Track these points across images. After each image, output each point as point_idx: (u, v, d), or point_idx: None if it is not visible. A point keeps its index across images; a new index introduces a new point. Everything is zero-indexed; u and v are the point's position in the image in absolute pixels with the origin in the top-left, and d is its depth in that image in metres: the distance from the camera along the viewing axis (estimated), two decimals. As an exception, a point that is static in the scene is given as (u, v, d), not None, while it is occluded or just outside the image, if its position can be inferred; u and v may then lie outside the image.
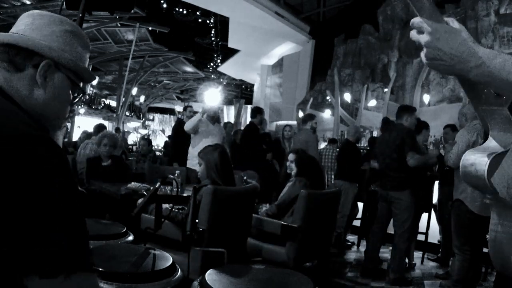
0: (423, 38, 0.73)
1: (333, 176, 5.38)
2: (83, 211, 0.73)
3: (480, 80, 0.74)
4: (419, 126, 4.41)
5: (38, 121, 0.76)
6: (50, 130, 0.83)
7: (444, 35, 0.72)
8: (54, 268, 0.61)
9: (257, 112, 5.51)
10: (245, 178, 3.84)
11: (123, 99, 18.97)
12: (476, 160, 0.83)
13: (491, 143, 0.85)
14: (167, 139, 15.28)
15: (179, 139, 5.15)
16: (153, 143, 21.47)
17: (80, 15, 2.83)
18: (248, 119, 23.87)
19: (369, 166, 4.97)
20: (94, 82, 19.38)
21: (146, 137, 10.39)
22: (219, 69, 23.09)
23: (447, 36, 0.72)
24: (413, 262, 4.32)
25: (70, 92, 0.86)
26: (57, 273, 0.61)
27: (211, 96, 4.74)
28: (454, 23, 0.75)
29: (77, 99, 0.89)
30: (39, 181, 0.63)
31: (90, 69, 20.95)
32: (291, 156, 3.61)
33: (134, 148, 13.03)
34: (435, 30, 0.72)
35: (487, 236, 3.17)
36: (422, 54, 0.76)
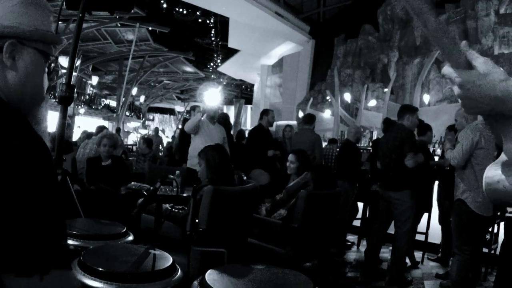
0: (456, 91, 0.72)
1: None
2: (61, 205, 0.71)
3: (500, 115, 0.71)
4: (423, 127, 4.41)
5: (16, 109, 0.75)
6: (33, 107, 0.82)
7: (474, 84, 0.69)
8: (28, 267, 0.60)
9: (263, 113, 5.41)
10: (245, 178, 3.84)
11: (123, 99, 18.97)
12: (502, 176, 0.79)
13: (507, 156, 0.81)
14: (167, 138, 15.26)
15: (187, 140, 5.13)
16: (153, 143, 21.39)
17: (80, 15, 2.83)
18: (248, 119, 23.83)
19: (369, 166, 4.97)
20: (94, 82, 19.38)
21: (146, 136, 10.37)
22: (219, 69, 23.10)
23: (477, 85, 0.69)
24: (417, 261, 4.33)
25: (43, 61, 0.83)
26: (32, 272, 0.61)
27: (211, 96, 4.74)
28: (476, 58, 0.70)
29: (52, 65, 0.87)
30: (16, 173, 0.62)
31: (90, 68, 20.89)
32: (291, 157, 3.60)
33: (134, 148, 13.04)
34: (465, 81, 0.69)
35: (487, 237, 3.16)
36: (460, 105, 0.75)
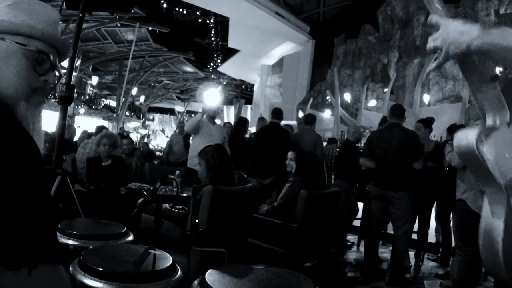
0: (440, 30, 0.92)
1: (333, 176, 5.37)
2: (50, 198, 0.70)
3: (482, 50, 0.85)
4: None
5: (4, 104, 0.74)
6: (14, 103, 0.79)
7: (452, 24, 0.90)
8: (16, 260, 0.59)
9: (281, 114, 5.20)
10: (245, 176, 3.84)
11: (123, 99, 18.98)
12: (469, 131, 0.92)
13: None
14: (167, 138, 15.24)
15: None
16: (153, 143, 21.45)
17: (80, 15, 2.83)
18: (248, 119, 23.80)
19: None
20: (94, 82, 19.38)
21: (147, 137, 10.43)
22: (219, 69, 23.11)
23: (455, 23, 0.90)
24: (410, 264, 4.31)
25: (23, 55, 0.80)
26: (19, 265, 0.60)
27: (211, 96, 4.74)
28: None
29: (43, 66, 0.82)
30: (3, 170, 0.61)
31: (90, 68, 20.83)
32: (290, 154, 3.61)
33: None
34: (446, 24, 0.91)
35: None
36: (439, 42, 0.92)
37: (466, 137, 0.92)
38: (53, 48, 0.86)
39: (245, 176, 3.83)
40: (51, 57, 0.85)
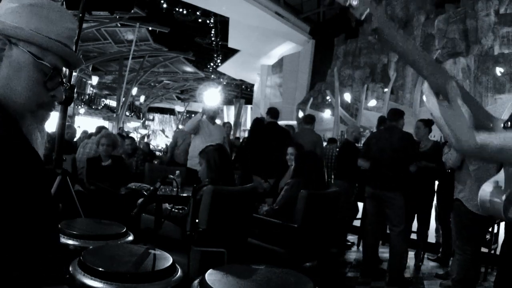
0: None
1: (333, 176, 5.37)
2: (51, 220, 0.67)
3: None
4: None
5: (6, 111, 0.70)
6: (19, 113, 0.74)
7: (442, 116, 0.78)
8: (18, 283, 0.58)
9: (277, 112, 5.08)
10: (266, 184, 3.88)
11: (123, 99, 18.97)
12: (493, 197, 0.91)
13: (505, 173, 0.91)
14: (167, 138, 15.24)
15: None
16: (153, 143, 21.44)
17: (80, 15, 2.83)
18: (249, 119, 23.69)
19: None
20: (94, 82, 19.37)
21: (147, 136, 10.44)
22: (219, 69, 23.12)
23: (449, 119, 0.78)
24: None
25: (36, 67, 0.74)
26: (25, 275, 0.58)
27: (211, 96, 4.74)
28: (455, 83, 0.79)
29: (54, 81, 0.78)
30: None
31: (90, 68, 20.82)
32: (290, 149, 3.63)
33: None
34: (438, 117, 0.79)
35: (487, 237, 3.16)
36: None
37: (493, 206, 0.90)
38: (66, 62, 0.81)
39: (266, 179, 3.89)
40: (62, 71, 0.80)
